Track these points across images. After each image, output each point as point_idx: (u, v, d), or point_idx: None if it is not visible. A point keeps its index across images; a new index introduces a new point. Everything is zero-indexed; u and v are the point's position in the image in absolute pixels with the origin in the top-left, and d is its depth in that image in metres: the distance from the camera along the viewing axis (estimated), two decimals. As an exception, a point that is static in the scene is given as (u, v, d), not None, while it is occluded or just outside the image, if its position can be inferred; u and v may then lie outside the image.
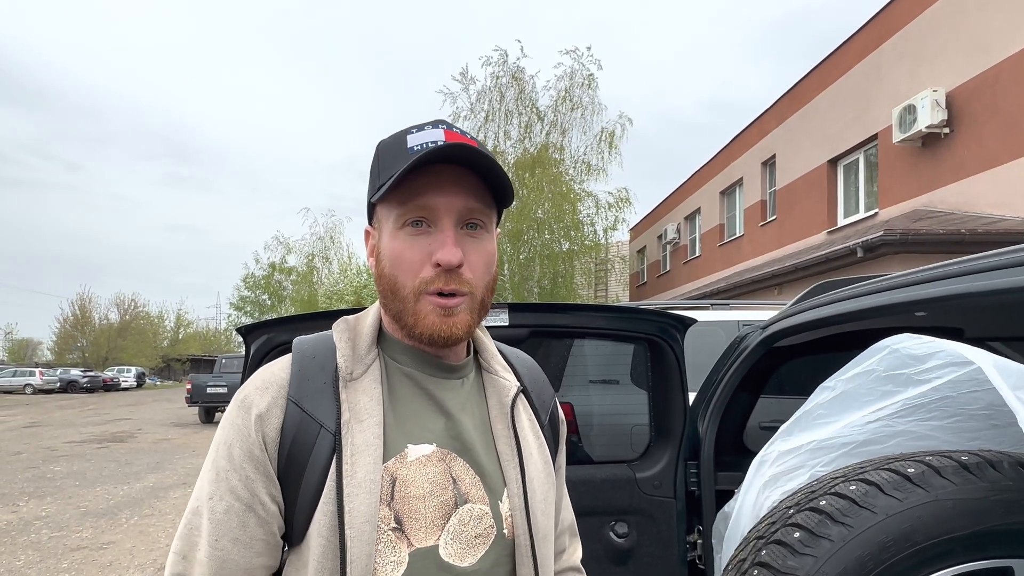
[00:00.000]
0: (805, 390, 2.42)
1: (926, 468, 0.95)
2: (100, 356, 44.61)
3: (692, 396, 1.94)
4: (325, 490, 0.68)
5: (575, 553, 0.97)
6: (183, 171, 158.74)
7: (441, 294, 0.71)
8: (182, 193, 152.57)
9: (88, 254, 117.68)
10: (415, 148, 0.70)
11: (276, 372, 0.74)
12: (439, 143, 0.69)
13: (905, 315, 1.27)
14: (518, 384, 0.83)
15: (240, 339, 1.71)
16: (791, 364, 2.05)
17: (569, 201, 16.06)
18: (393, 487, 0.70)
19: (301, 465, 0.69)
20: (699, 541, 1.82)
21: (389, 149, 0.74)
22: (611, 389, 2.23)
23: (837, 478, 1.00)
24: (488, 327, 1.78)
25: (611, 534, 1.79)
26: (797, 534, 0.92)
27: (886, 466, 0.96)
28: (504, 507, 0.76)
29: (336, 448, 0.68)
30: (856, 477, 0.97)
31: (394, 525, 0.69)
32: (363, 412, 0.71)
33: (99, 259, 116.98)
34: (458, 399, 0.78)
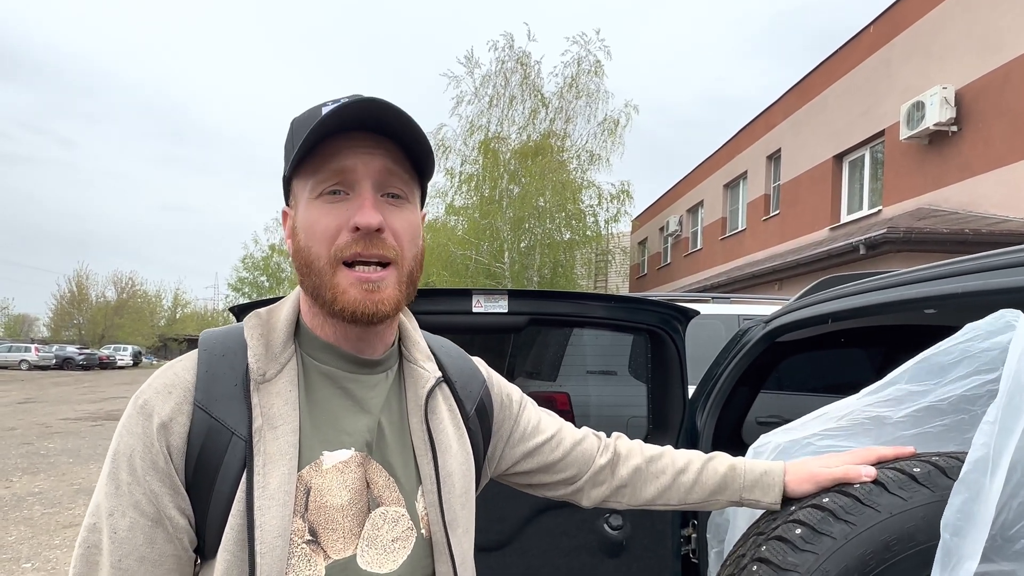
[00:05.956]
0: (804, 386, 2.41)
1: (932, 468, 0.93)
2: (96, 334, 44.64)
3: (691, 389, 1.92)
4: (235, 502, 0.63)
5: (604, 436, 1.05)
6: (180, 151, 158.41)
7: (363, 263, 0.67)
8: (180, 172, 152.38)
9: (86, 231, 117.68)
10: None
11: (180, 373, 0.68)
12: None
13: (914, 312, 1.24)
14: (437, 374, 0.79)
15: (234, 319, 1.68)
16: (792, 360, 2.03)
17: (571, 190, 15.99)
18: (308, 497, 0.66)
19: (212, 475, 0.64)
20: (694, 535, 1.81)
21: (303, 123, 0.70)
22: (609, 380, 2.21)
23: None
24: (487, 313, 1.76)
25: (605, 526, 1.78)
26: (798, 530, 0.91)
27: (891, 465, 0.94)
28: (420, 505, 0.73)
29: (247, 457, 0.63)
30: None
31: (308, 538, 0.65)
32: (277, 417, 0.66)
33: (97, 236, 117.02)
34: (379, 396, 0.74)
